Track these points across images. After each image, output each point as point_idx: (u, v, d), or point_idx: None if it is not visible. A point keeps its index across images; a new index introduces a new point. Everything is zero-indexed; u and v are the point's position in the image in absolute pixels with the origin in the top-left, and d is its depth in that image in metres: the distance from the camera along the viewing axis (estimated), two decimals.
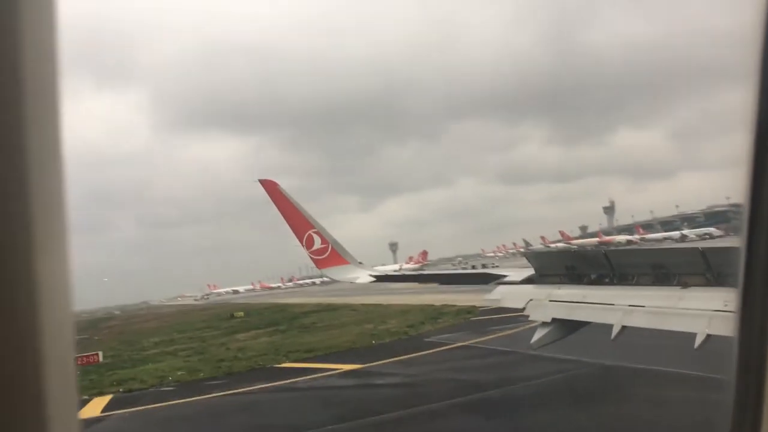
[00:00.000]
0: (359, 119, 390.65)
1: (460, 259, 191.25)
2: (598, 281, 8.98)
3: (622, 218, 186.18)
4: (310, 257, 17.58)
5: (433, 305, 43.29)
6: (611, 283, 8.75)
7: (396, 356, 26.07)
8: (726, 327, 5.39)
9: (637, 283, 8.45)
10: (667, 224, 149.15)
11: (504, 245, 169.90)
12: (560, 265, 10.07)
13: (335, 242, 17.50)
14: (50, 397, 1.10)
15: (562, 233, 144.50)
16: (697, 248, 7.97)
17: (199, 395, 22.45)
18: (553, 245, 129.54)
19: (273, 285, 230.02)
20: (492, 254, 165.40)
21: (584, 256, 11.61)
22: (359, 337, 33.70)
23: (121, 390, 25.57)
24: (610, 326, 7.84)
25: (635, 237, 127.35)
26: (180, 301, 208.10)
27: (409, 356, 25.61)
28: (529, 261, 11.42)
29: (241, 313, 66.29)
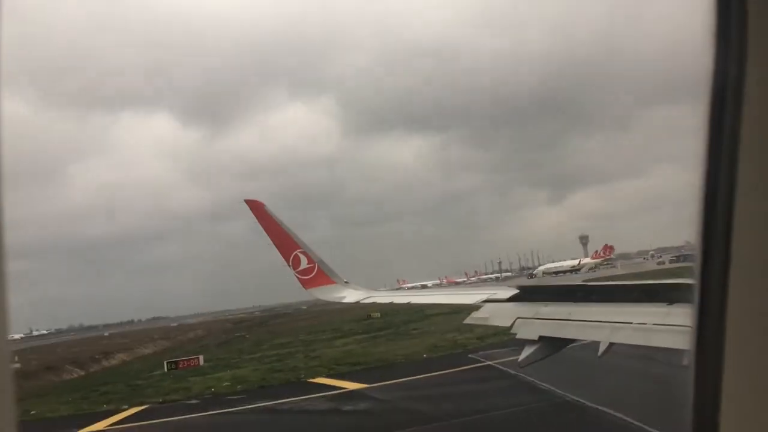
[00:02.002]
0: (542, 112, 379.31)
1: (652, 252, 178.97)
2: (585, 299, 8.92)
3: None
4: (297, 277, 17.99)
5: None
6: (598, 300, 8.63)
7: (419, 373, 25.66)
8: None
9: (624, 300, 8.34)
10: None
11: None
12: None
13: (321, 262, 17.85)
14: None
15: None
16: None
17: (191, 413, 23.52)
18: None
19: (458, 280, 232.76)
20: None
21: None
22: (425, 349, 33.44)
23: (160, 401, 27.69)
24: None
25: None
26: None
27: (422, 376, 25.00)
28: None
29: (378, 314, 66.14)
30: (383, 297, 17.15)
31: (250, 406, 23.40)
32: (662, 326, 6.97)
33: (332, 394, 23.87)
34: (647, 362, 17.13)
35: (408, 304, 16.73)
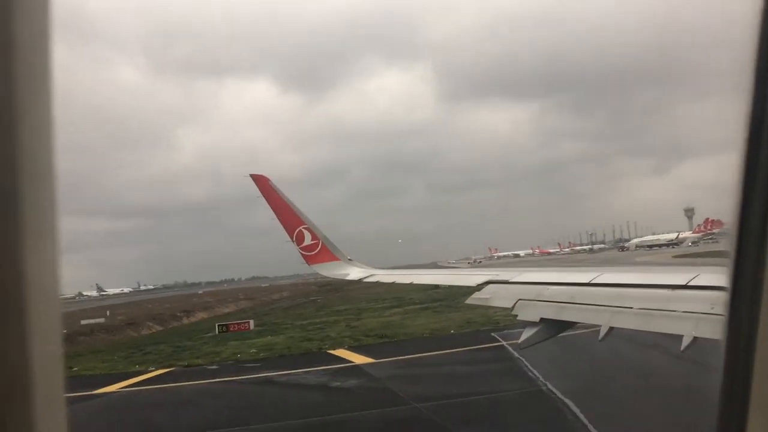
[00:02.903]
0: (645, 78, 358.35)
1: None
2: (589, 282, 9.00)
3: None
4: (301, 254, 18.28)
5: None
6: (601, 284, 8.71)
7: (431, 350, 25.41)
8: (712, 330, 5.76)
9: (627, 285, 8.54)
10: None
11: None
12: None
13: (325, 238, 18.24)
14: (37, 385, 1.11)
15: None
16: None
17: (200, 379, 24.12)
18: None
19: (551, 250, 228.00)
20: None
21: None
22: (457, 324, 33.04)
23: (185, 364, 28.76)
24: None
25: None
26: (454, 265, 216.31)
27: (431, 353, 24.68)
28: None
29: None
30: (386, 275, 16.87)
31: (251, 376, 23.81)
32: (663, 312, 6.96)
33: (335, 368, 23.93)
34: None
35: (411, 284, 16.09)
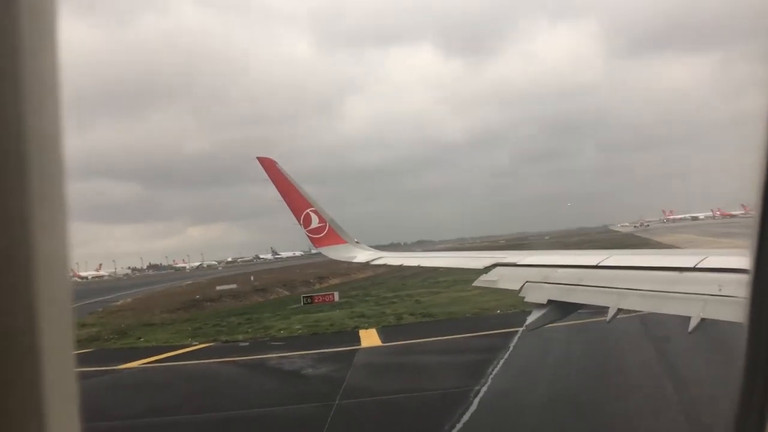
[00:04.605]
0: None
1: None
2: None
3: None
4: (308, 236, 18.76)
5: None
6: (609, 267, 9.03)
7: (448, 334, 25.09)
8: (719, 312, 6.14)
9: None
10: None
11: None
12: None
13: (332, 221, 18.55)
14: (47, 370, 1.09)
15: None
16: None
17: (217, 357, 25.33)
18: None
19: (734, 213, 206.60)
20: None
21: None
22: (503, 305, 30.85)
23: (224, 340, 30.12)
24: None
25: None
26: (620, 228, 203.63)
27: (445, 337, 23.77)
28: None
29: None
30: (394, 258, 16.96)
31: (250, 357, 24.72)
32: (672, 294, 7.07)
33: (334, 352, 24.00)
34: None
35: (418, 266, 16.56)
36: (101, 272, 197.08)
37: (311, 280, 78.86)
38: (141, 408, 17.84)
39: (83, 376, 20.70)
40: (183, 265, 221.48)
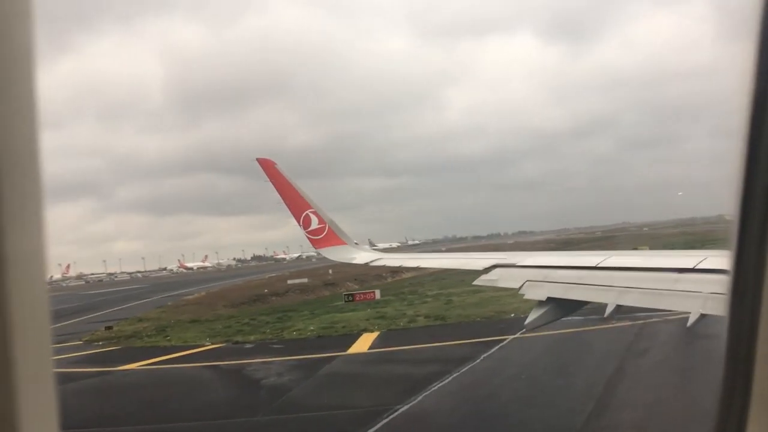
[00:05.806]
0: None
1: None
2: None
3: None
4: (307, 237, 18.74)
5: None
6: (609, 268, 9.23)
7: (450, 340, 23.94)
8: (719, 309, 6.01)
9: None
10: None
11: None
12: None
13: (332, 222, 18.57)
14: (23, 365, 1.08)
15: None
16: None
17: (219, 360, 25.30)
18: None
19: None
20: None
21: None
22: (520, 309, 29.24)
23: (234, 341, 30.14)
24: None
25: None
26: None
27: (442, 344, 22.64)
28: None
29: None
30: (393, 259, 17.31)
31: (246, 361, 24.55)
32: (671, 291, 7.23)
33: (321, 357, 23.53)
34: None
35: (417, 267, 17.02)
36: (206, 263, 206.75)
37: (384, 274, 78.26)
38: (80, 417, 17.24)
39: (68, 379, 21.63)
40: (283, 256, 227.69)
